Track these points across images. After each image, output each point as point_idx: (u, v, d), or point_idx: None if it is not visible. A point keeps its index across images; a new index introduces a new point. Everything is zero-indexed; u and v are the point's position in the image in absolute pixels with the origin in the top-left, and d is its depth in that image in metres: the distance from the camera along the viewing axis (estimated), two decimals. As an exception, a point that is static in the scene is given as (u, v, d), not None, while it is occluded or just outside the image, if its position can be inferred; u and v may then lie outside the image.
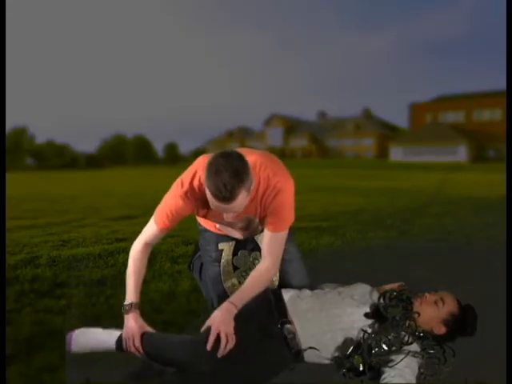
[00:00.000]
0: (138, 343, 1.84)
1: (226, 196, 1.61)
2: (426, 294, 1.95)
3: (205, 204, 1.83)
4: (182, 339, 1.82)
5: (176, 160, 54.21)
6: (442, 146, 41.08)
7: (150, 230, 2.01)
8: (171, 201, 1.90)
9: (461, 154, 40.41)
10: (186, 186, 1.86)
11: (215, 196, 1.62)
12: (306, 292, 2.00)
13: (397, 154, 41.81)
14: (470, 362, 1.88)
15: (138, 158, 54.37)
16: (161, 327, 2.31)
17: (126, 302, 1.93)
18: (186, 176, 1.89)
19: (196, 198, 1.87)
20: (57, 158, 46.67)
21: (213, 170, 1.61)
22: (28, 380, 1.79)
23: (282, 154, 51.27)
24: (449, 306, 1.90)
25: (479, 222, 5.86)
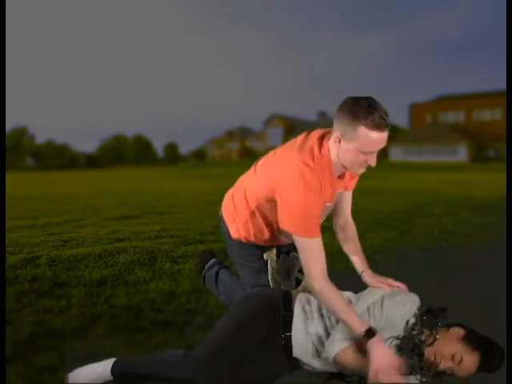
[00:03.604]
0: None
1: (388, 122, 1.64)
2: (443, 350, 1.69)
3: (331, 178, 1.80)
4: (174, 355, 1.76)
5: (176, 160, 54.24)
6: (442, 146, 41.07)
7: (318, 251, 1.77)
8: (311, 204, 1.72)
9: (461, 154, 40.39)
10: (310, 175, 1.71)
11: (379, 125, 1.62)
12: (315, 304, 1.88)
13: (397, 154, 41.81)
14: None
15: (138, 158, 54.42)
16: (161, 327, 2.32)
17: (362, 329, 1.66)
18: (303, 161, 1.73)
19: (323, 172, 1.76)
20: (57, 158, 46.77)
21: (364, 106, 1.62)
22: (28, 380, 1.79)
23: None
24: (465, 365, 1.68)
25: (479, 221, 5.86)
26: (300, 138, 1.87)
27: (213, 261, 2.55)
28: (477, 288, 2.95)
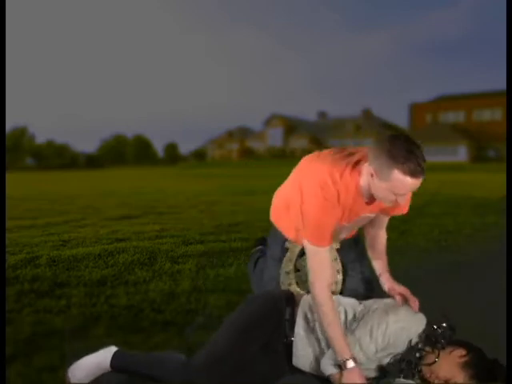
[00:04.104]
0: None
1: (424, 168, 1.61)
2: (440, 372, 1.69)
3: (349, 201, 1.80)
4: (175, 357, 1.76)
5: (176, 160, 54.26)
6: (442, 146, 41.07)
7: (325, 261, 1.80)
8: (325, 215, 1.76)
9: (461, 154, 40.42)
10: (331, 188, 1.75)
11: (414, 172, 1.59)
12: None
13: (397, 154, 41.79)
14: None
15: (138, 158, 54.43)
16: (161, 327, 2.32)
17: (345, 357, 1.67)
18: (329, 173, 1.76)
19: (347, 190, 1.79)
20: (57, 158, 46.80)
21: (403, 151, 1.59)
22: (28, 380, 1.79)
23: (282, 154, 51.20)
24: None
25: (479, 221, 5.86)
26: (346, 151, 1.86)
27: (258, 247, 2.55)
28: (477, 288, 2.95)
